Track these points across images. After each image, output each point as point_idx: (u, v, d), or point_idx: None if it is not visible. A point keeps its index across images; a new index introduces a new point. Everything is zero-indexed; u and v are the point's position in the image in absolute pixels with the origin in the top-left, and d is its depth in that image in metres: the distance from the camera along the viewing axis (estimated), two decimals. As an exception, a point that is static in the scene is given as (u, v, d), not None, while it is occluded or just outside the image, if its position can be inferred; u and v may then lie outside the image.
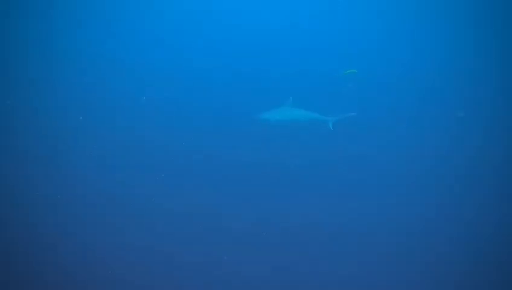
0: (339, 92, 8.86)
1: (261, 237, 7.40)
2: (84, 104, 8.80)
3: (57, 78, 9.02)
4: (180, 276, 6.93)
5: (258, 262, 7.06)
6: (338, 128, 8.37)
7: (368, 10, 9.69)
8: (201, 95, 9.07)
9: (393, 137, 8.65)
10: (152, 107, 8.87)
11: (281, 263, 7.08)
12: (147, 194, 7.85)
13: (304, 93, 8.65)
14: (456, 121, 8.59)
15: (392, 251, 7.21)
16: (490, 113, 8.57)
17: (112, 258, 7.08)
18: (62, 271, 6.90)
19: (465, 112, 8.57)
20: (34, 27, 9.24)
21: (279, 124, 8.25)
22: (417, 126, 8.80)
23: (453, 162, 8.28)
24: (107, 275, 6.87)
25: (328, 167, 8.34)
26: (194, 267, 7.00)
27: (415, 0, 9.55)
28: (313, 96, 8.69)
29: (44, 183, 7.91)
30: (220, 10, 9.67)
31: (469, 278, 6.81)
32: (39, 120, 8.60)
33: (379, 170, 8.31)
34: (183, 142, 8.45)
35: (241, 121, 8.54)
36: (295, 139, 8.43)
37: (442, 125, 8.71)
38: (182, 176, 8.13)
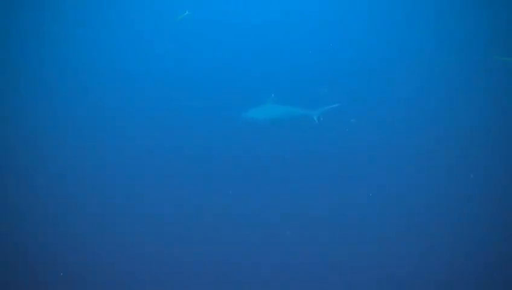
0: (324, 87, 8.80)
1: (260, 236, 7.41)
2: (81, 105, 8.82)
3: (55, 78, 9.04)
4: (181, 277, 6.97)
5: (258, 262, 7.09)
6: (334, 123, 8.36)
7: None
8: (183, 94, 8.95)
9: (387, 131, 8.58)
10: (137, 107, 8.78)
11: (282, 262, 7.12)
12: (142, 195, 7.89)
13: (284, 89, 8.63)
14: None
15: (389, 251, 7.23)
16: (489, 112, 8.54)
17: (113, 259, 7.13)
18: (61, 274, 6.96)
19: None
20: (32, 26, 9.26)
21: (266, 122, 8.23)
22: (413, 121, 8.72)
23: (449, 158, 8.25)
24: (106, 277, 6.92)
25: (320, 164, 8.30)
26: (194, 269, 7.04)
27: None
28: (293, 91, 8.68)
29: (44, 185, 7.96)
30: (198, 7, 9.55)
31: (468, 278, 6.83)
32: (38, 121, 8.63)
33: (374, 166, 8.26)
34: (171, 143, 8.41)
35: (226, 121, 8.51)
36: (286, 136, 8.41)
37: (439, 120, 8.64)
38: (171, 177, 8.12)
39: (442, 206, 7.66)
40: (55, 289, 6.88)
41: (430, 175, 7.99)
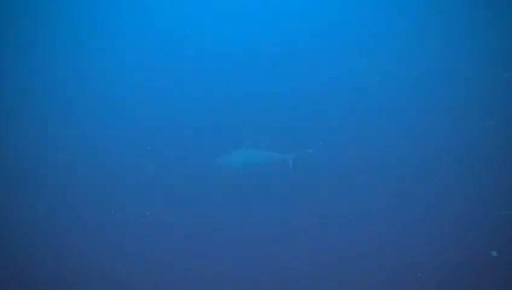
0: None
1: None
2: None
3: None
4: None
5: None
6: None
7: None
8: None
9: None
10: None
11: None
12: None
13: (258, 133, 8.58)
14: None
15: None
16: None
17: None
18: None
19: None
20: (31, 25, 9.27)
21: (240, 167, 8.17)
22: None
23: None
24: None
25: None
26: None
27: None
28: (268, 135, 8.60)
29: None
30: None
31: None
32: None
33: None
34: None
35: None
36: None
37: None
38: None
39: (441, 208, 7.71)
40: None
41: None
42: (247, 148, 8.37)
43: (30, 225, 7.53)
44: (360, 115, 8.71)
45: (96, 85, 9.09)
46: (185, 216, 7.72)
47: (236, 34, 9.48)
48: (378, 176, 8.10)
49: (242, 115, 8.81)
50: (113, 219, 7.75)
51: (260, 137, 8.44)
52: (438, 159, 8.17)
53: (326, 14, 9.59)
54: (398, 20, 9.35)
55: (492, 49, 8.84)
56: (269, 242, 7.39)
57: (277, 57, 9.27)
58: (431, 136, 8.45)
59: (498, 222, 7.35)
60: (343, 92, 8.92)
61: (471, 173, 7.96)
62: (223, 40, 9.42)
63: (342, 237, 7.42)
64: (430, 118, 8.58)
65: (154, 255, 7.29)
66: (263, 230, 7.51)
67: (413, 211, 7.66)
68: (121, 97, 8.99)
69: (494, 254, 7.03)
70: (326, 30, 9.44)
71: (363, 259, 7.11)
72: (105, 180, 8.18)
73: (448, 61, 8.96)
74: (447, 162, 8.13)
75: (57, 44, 9.22)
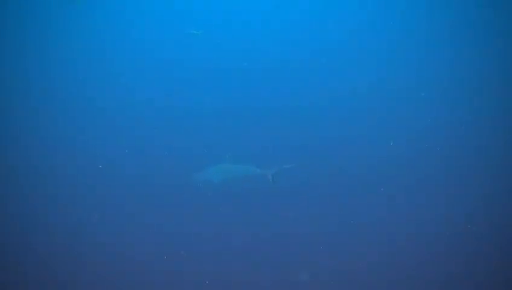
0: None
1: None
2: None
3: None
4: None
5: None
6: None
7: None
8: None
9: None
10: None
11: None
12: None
13: (239, 148, 8.58)
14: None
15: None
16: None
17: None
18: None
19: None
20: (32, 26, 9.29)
21: (221, 182, 8.13)
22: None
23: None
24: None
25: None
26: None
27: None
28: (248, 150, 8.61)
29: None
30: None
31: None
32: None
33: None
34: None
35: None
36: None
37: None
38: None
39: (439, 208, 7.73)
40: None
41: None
42: (227, 163, 8.32)
43: (30, 225, 7.53)
44: (344, 129, 8.78)
45: (95, 87, 9.13)
46: (173, 224, 7.78)
47: (221, 47, 9.54)
48: (365, 188, 8.13)
49: (222, 130, 8.83)
50: (112, 219, 7.78)
51: (240, 152, 8.41)
52: (431, 174, 8.23)
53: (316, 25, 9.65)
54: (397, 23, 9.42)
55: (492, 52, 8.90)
56: (252, 252, 7.44)
57: (261, 74, 9.32)
58: (423, 144, 8.50)
59: (498, 222, 7.39)
60: (328, 107, 8.97)
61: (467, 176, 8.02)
62: (210, 52, 9.47)
63: (327, 249, 7.45)
64: (422, 128, 8.64)
65: (146, 256, 7.37)
66: (244, 243, 7.54)
67: (400, 221, 7.69)
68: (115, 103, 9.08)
69: None
70: (316, 45, 9.50)
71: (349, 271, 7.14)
72: (105, 180, 8.21)
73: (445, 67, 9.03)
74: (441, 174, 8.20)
75: (57, 44, 9.25)
